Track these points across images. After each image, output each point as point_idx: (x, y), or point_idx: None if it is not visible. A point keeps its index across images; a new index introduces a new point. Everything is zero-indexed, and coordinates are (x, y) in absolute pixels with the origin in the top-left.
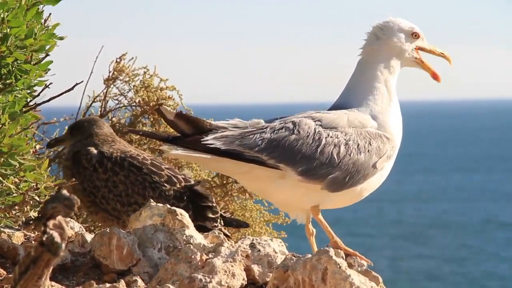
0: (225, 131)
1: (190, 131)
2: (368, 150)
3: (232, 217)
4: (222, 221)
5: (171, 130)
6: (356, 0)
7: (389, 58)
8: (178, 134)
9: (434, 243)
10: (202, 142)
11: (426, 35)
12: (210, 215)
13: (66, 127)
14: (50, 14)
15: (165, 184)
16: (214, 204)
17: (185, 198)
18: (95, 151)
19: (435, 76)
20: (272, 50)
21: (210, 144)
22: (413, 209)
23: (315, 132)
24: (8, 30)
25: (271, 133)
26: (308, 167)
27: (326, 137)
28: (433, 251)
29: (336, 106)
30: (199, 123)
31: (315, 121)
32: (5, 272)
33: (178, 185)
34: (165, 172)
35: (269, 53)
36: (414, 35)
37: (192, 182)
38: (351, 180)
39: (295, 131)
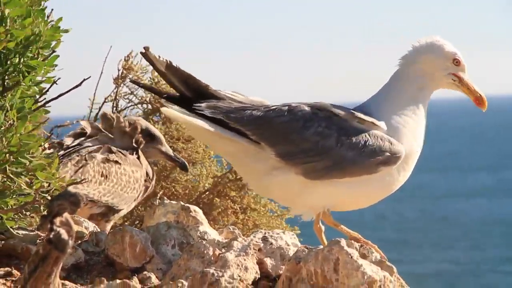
0: (220, 102)
1: (187, 91)
2: (363, 150)
3: None
4: None
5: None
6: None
7: (424, 76)
8: (174, 93)
9: None
10: (193, 107)
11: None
12: None
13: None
14: (52, 10)
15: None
16: None
17: None
18: None
19: (478, 102)
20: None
21: (200, 110)
22: None
23: (306, 120)
24: (6, 12)
25: (262, 112)
26: (287, 150)
27: (316, 126)
28: None
29: (356, 108)
30: (195, 82)
31: (312, 109)
32: (19, 273)
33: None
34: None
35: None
36: (456, 62)
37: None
38: (331, 172)
39: (286, 114)
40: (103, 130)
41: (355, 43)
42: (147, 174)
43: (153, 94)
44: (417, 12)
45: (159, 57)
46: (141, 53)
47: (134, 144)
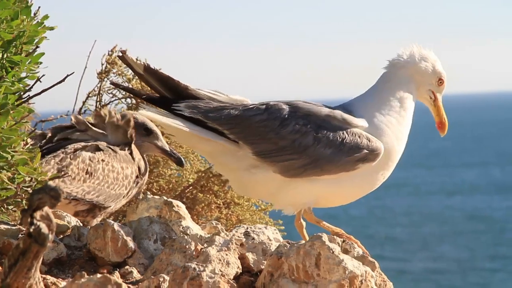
0: (199, 102)
1: (167, 92)
2: (340, 148)
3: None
4: None
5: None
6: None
7: (411, 83)
8: (153, 93)
9: None
10: (172, 107)
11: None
12: None
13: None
14: (39, 7)
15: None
16: None
17: None
18: None
19: (440, 126)
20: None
21: (179, 110)
22: None
23: (284, 118)
24: None
25: (239, 111)
26: (265, 149)
27: (294, 125)
28: None
29: (341, 105)
30: (173, 83)
31: (290, 107)
32: (0, 268)
33: None
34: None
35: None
36: (440, 81)
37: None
38: (309, 170)
39: (263, 112)
40: (92, 126)
41: (344, 39)
42: (139, 169)
43: (138, 87)
44: (412, 9)
45: (137, 59)
46: (118, 56)
47: (129, 138)
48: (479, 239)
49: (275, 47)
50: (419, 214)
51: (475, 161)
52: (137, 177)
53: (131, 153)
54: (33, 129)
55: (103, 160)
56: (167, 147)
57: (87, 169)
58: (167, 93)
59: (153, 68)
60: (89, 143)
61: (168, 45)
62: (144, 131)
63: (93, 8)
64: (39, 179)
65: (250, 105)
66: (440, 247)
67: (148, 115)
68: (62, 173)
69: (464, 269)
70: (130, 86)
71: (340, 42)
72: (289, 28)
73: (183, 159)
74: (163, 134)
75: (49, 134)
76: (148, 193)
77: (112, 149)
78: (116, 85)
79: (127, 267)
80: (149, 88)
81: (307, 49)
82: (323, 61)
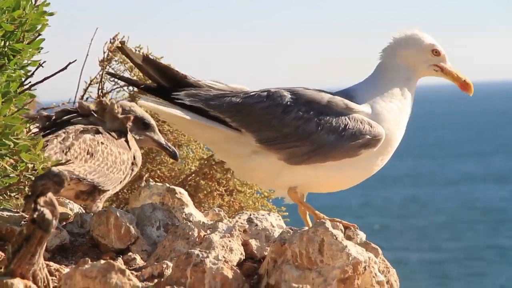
0: (199, 90)
1: (165, 82)
2: (343, 134)
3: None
4: None
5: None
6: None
7: (407, 69)
8: (151, 83)
9: None
10: (171, 96)
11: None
12: None
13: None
14: None
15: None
16: None
17: None
18: None
19: (464, 87)
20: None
21: (179, 99)
22: None
23: (286, 105)
24: None
25: (241, 98)
26: (268, 136)
27: (296, 111)
28: None
29: (340, 91)
30: (172, 72)
31: (292, 94)
32: (3, 254)
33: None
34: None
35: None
36: (435, 52)
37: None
38: (314, 157)
39: (265, 100)
40: (94, 112)
41: (344, 39)
42: (134, 158)
43: (140, 76)
44: (413, 8)
45: (136, 50)
46: (117, 47)
47: (125, 129)
48: (477, 229)
49: (275, 46)
50: (417, 204)
51: (474, 151)
52: (132, 164)
53: (127, 142)
54: (34, 115)
55: (102, 143)
56: (162, 141)
57: (88, 150)
58: (166, 83)
59: (151, 58)
60: (89, 126)
61: (168, 45)
62: (142, 125)
63: (93, 5)
64: (41, 166)
65: (251, 92)
66: (437, 237)
67: (148, 105)
68: (65, 159)
69: (461, 259)
70: (127, 76)
71: (340, 42)
72: (289, 27)
73: (177, 153)
74: (164, 122)
75: (54, 117)
76: (151, 180)
77: (110, 134)
78: (113, 75)
79: (130, 253)
80: (147, 78)
81: (307, 48)
82: (323, 61)
